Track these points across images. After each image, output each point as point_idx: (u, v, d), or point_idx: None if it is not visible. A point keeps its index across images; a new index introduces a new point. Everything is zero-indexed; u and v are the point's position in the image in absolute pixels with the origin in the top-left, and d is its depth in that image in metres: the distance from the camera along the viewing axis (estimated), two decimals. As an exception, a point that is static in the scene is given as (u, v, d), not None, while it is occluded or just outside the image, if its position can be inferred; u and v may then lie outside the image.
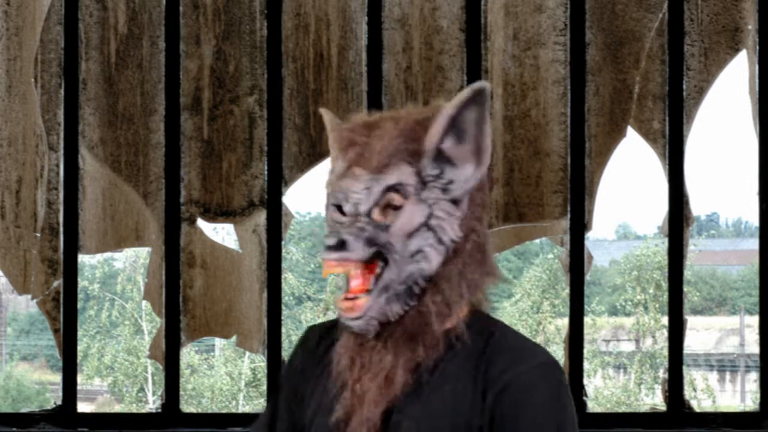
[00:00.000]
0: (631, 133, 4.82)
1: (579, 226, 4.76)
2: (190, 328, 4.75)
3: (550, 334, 26.63)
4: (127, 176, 4.75)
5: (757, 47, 4.78)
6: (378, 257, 2.23)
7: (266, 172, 4.75)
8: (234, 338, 4.86)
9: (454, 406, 2.23)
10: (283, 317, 4.78)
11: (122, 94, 4.76)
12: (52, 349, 30.45)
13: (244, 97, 4.77)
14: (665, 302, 5.08)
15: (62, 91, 4.73)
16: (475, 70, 4.75)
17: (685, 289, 4.86)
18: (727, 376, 32.71)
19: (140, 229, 4.76)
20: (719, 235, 44.09)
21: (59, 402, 4.74)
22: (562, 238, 4.79)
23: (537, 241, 5.48)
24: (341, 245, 2.21)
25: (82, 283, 25.61)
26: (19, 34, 4.74)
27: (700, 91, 4.80)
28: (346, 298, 2.25)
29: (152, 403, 24.46)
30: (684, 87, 4.78)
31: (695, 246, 27.82)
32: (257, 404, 23.28)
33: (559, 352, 25.20)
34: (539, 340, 26.53)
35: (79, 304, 8.08)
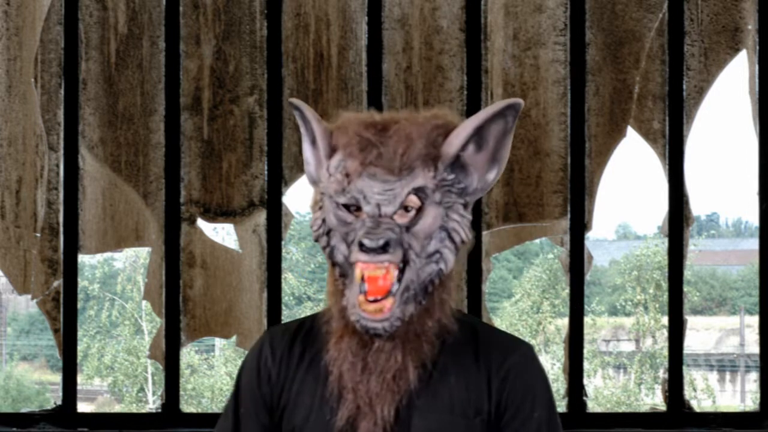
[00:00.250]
0: (631, 133, 4.82)
1: (579, 226, 4.77)
2: (190, 328, 4.75)
3: (550, 334, 26.64)
4: (127, 176, 4.75)
5: (757, 47, 4.78)
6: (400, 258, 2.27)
7: (266, 172, 4.75)
8: (234, 338, 4.86)
9: (462, 396, 2.33)
10: (283, 317, 4.78)
11: (122, 94, 4.76)
12: (52, 349, 30.45)
13: (244, 97, 4.77)
14: (665, 302, 5.08)
15: (62, 91, 4.73)
16: (475, 70, 4.75)
17: (685, 289, 4.86)
18: (727, 376, 32.71)
19: (140, 229, 4.76)
20: (719, 235, 44.08)
21: (59, 402, 4.74)
22: (562, 238, 4.79)
23: (537, 241, 5.48)
24: (386, 247, 2.22)
25: (82, 283, 25.61)
26: (19, 34, 4.74)
27: (700, 91, 4.80)
28: (370, 300, 2.25)
29: (152, 403, 24.46)
30: (684, 87, 4.78)
31: (695, 246, 27.84)
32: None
33: (559, 352, 25.22)
34: (539, 340, 26.56)
35: (79, 304, 8.08)
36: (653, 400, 24.52)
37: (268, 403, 2.40)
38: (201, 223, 4.78)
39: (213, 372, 25.45)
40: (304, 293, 26.50)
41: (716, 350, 33.29)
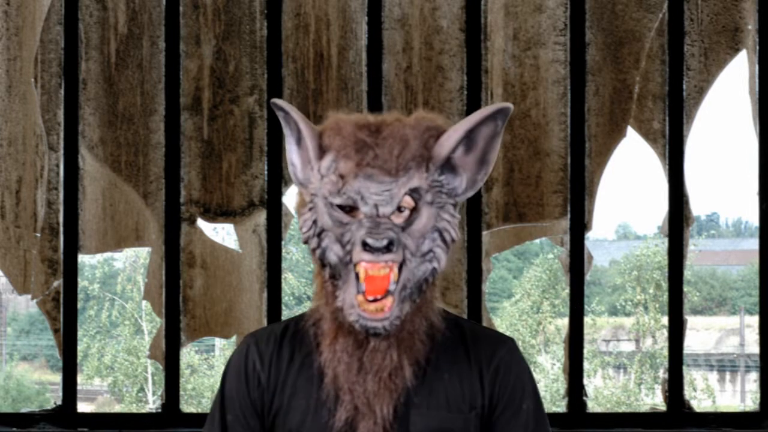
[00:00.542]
0: (631, 133, 4.82)
1: (579, 226, 4.77)
2: (190, 328, 4.75)
3: (550, 334, 26.64)
4: (127, 176, 4.75)
5: (757, 47, 4.78)
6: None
7: (266, 172, 4.75)
8: (234, 338, 4.86)
9: (456, 391, 2.37)
10: (283, 317, 4.78)
11: (122, 94, 4.76)
12: (52, 349, 30.45)
13: (244, 97, 4.77)
14: (665, 302, 5.08)
15: (62, 91, 4.73)
16: (475, 70, 4.75)
17: (685, 289, 4.86)
18: (727, 376, 32.71)
19: (140, 229, 4.76)
20: (719, 235, 44.08)
21: (59, 402, 4.74)
22: (562, 238, 4.79)
23: (537, 241, 5.48)
24: (389, 246, 2.23)
25: (82, 283, 25.61)
26: (19, 34, 4.74)
27: (700, 91, 4.80)
28: (370, 300, 2.26)
29: (152, 403, 24.46)
30: (684, 87, 4.78)
31: (695, 246, 27.84)
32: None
33: (559, 352, 25.22)
34: (539, 340, 26.56)
35: (79, 304, 8.07)
36: (653, 400, 24.52)
37: (258, 408, 2.40)
38: (201, 223, 4.78)
39: (213, 372, 25.44)
40: (304, 293, 26.51)
41: (716, 350, 33.28)
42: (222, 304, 4.76)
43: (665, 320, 13.83)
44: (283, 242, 4.80)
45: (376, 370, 2.30)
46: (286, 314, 4.74)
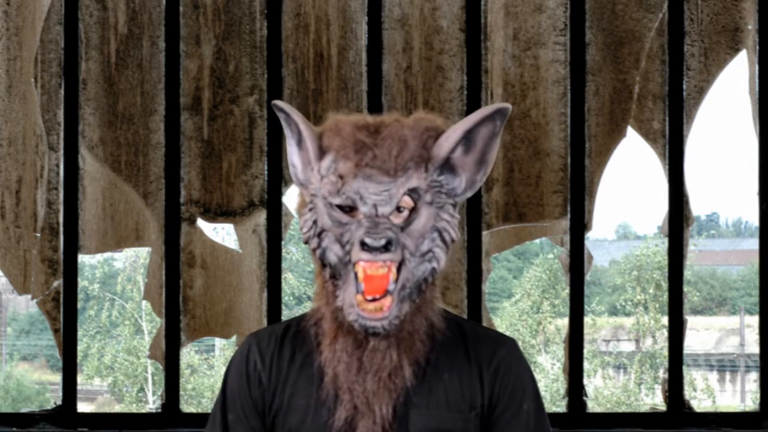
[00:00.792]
0: (631, 133, 4.82)
1: (579, 226, 4.77)
2: (190, 328, 4.75)
3: (550, 334, 26.64)
4: (127, 176, 4.75)
5: (757, 47, 4.78)
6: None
7: (266, 172, 4.75)
8: (234, 338, 4.86)
9: (456, 391, 2.37)
10: (283, 317, 4.78)
11: (122, 94, 4.76)
12: (52, 349, 30.45)
13: (244, 97, 4.77)
14: (665, 302, 5.08)
15: (62, 91, 4.73)
16: (475, 70, 4.75)
17: (685, 289, 4.86)
18: (727, 376, 32.70)
19: (140, 229, 4.76)
20: (719, 235, 44.08)
21: (59, 402, 4.74)
22: (562, 238, 4.79)
23: (537, 241, 5.48)
24: (388, 245, 2.24)
25: (82, 283, 25.61)
26: (19, 34, 4.74)
27: (700, 91, 4.80)
28: (368, 299, 2.26)
29: (152, 403, 24.46)
30: (684, 87, 4.78)
31: (695, 246, 27.84)
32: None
33: (559, 352, 25.22)
34: (539, 340, 26.56)
35: (79, 304, 8.07)
36: (653, 400, 24.52)
37: (259, 407, 2.41)
38: (201, 223, 4.78)
39: (213, 372, 25.45)
40: (304, 293, 26.51)
41: (716, 350, 33.28)
42: (222, 304, 4.76)
43: (665, 320, 13.84)
44: (283, 242, 4.80)
45: (375, 370, 2.31)
46: (286, 314, 4.74)
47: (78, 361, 4.84)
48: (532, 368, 2.73)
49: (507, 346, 2.44)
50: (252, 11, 4.77)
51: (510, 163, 4.78)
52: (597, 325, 28.16)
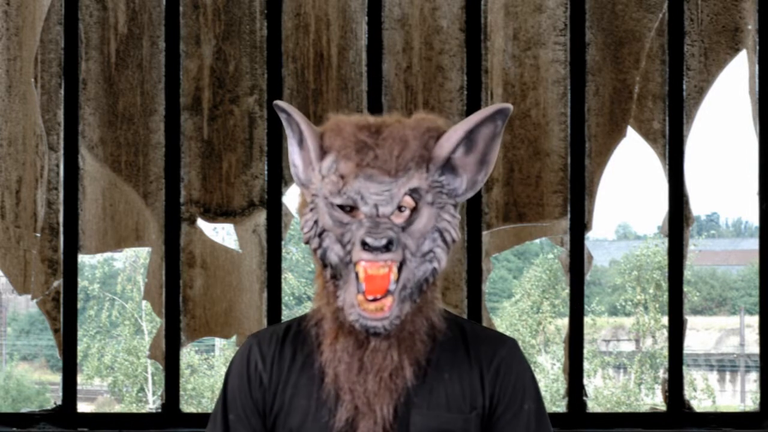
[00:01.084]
0: (631, 133, 4.82)
1: (579, 226, 4.77)
2: (190, 328, 4.75)
3: (550, 334, 26.64)
4: (127, 176, 4.75)
5: (757, 47, 4.78)
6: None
7: (266, 172, 4.75)
8: (234, 338, 4.86)
9: (456, 391, 2.37)
10: (283, 317, 4.78)
11: (122, 94, 4.76)
12: (52, 349, 30.44)
13: (244, 97, 4.77)
14: (665, 302, 5.08)
15: (62, 91, 4.73)
16: (475, 70, 4.75)
17: (685, 289, 4.87)
18: (727, 376, 32.70)
19: (140, 229, 4.76)
20: (719, 235, 44.08)
21: (59, 402, 4.74)
22: (562, 238, 4.79)
23: (537, 241, 5.48)
24: (389, 245, 2.24)
25: (82, 283, 25.60)
26: (19, 34, 4.74)
27: (700, 91, 4.80)
28: (369, 299, 2.26)
29: (152, 403, 24.46)
30: (684, 87, 4.78)
31: (695, 246, 27.83)
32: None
33: (559, 352, 25.22)
34: (539, 340, 26.55)
35: (79, 304, 8.07)
36: (653, 400, 24.52)
37: (260, 408, 2.41)
38: (201, 223, 4.78)
39: (213, 372, 25.45)
40: (304, 293, 26.51)
41: (716, 350, 33.28)
42: (222, 304, 4.76)
43: (665, 320, 13.83)
44: (283, 242, 4.80)
45: (376, 370, 2.31)
46: (286, 314, 4.74)
47: (78, 361, 4.84)
48: (532, 368, 2.73)
49: (507, 346, 2.44)
50: (252, 11, 4.77)
51: (510, 163, 4.78)
52: (597, 325, 28.16)
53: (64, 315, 4.72)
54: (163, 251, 4.72)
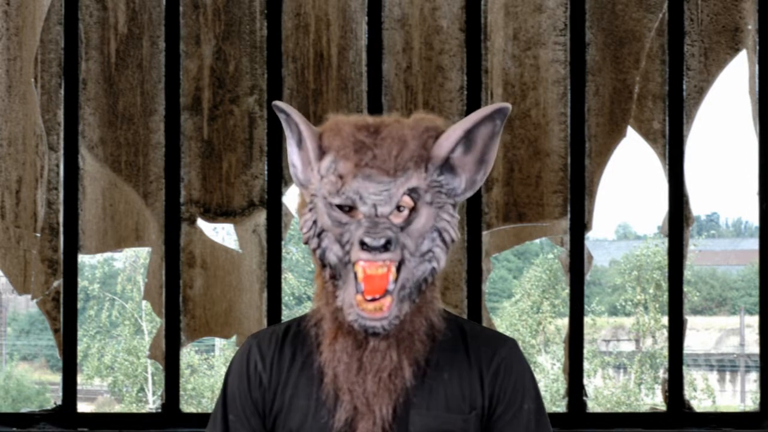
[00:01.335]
0: (631, 133, 4.82)
1: (579, 226, 4.77)
2: (190, 328, 4.75)
3: (550, 334, 26.64)
4: (127, 176, 4.75)
5: (757, 47, 4.78)
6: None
7: (266, 172, 4.75)
8: (234, 338, 4.86)
9: (456, 392, 2.37)
10: (283, 317, 4.78)
11: (122, 94, 4.76)
12: (52, 349, 30.44)
13: (244, 97, 4.77)
14: (665, 302, 5.08)
15: (62, 91, 4.73)
16: (475, 70, 4.75)
17: (685, 289, 4.87)
18: (727, 376, 32.70)
19: (140, 229, 4.76)
20: (719, 235, 44.08)
21: (59, 402, 4.74)
22: (562, 238, 4.79)
23: (537, 241, 5.48)
24: (387, 245, 2.24)
25: (82, 283, 25.61)
26: (19, 34, 4.74)
27: (700, 91, 4.80)
28: (368, 299, 2.26)
29: (152, 403, 24.46)
30: (684, 87, 4.78)
31: (695, 246, 27.84)
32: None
33: (559, 352, 25.22)
34: (539, 340, 26.55)
35: (79, 304, 8.07)
36: (653, 400, 24.53)
37: (260, 408, 2.41)
38: (201, 223, 4.78)
39: (213, 372, 25.45)
40: (304, 293, 26.51)
41: (716, 350, 33.28)
42: (222, 304, 4.76)
43: (665, 320, 13.83)
44: (283, 242, 4.80)
45: (375, 371, 2.31)
46: (286, 314, 4.74)
47: (78, 361, 4.84)
48: (532, 368, 2.73)
49: (507, 346, 2.44)
50: (252, 11, 4.77)
51: (510, 163, 4.78)
52: (597, 325, 28.16)
53: (64, 315, 4.72)
54: (163, 251, 4.72)
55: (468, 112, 4.70)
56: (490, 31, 4.79)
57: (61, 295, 4.72)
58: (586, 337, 4.90)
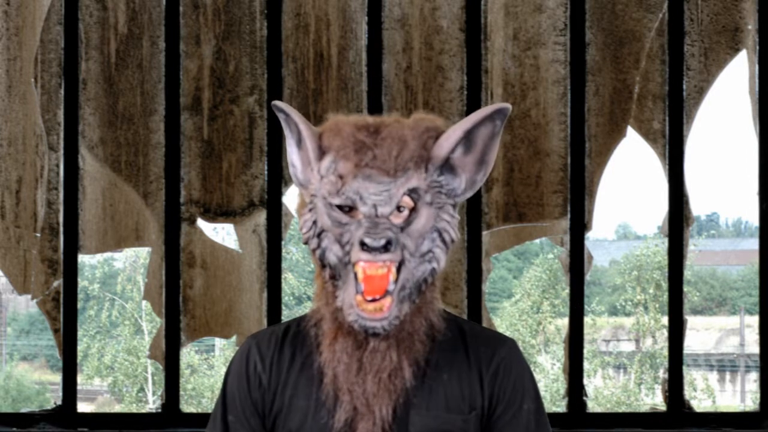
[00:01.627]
0: (631, 133, 4.82)
1: (579, 226, 4.77)
2: (190, 328, 4.75)
3: (550, 334, 26.64)
4: (127, 176, 4.75)
5: (757, 47, 4.78)
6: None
7: (266, 172, 4.75)
8: (234, 338, 4.86)
9: (456, 392, 2.37)
10: (283, 317, 4.78)
11: (122, 94, 4.76)
12: (52, 349, 30.44)
13: (244, 97, 4.77)
14: (665, 302, 5.09)
15: (62, 91, 4.73)
16: (475, 70, 4.75)
17: (685, 289, 4.87)
18: (727, 376, 32.70)
19: (140, 229, 4.76)
20: (719, 235, 44.07)
21: (59, 402, 4.74)
22: (562, 238, 4.79)
23: (537, 241, 5.49)
24: (387, 246, 2.24)
25: (82, 283, 25.61)
26: (19, 34, 4.74)
27: (700, 91, 4.80)
28: (368, 300, 2.26)
29: (152, 403, 24.46)
30: (684, 87, 4.78)
31: (695, 246, 27.84)
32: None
33: (559, 352, 25.23)
34: (539, 340, 26.56)
35: (79, 304, 8.07)
36: (653, 400, 24.53)
37: (259, 409, 2.41)
38: (201, 223, 4.78)
39: (213, 372, 25.45)
40: (304, 293, 26.52)
41: (716, 350, 33.28)
42: (222, 304, 4.76)
43: (665, 320, 13.83)
44: (283, 242, 4.80)
45: (375, 371, 2.31)
46: (286, 314, 4.74)
47: (78, 361, 4.84)
48: (532, 368, 2.74)
49: (507, 346, 2.43)
50: (252, 11, 4.77)
51: (510, 163, 4.78)
52: (597, 325, 28.16)
53: (64, 315, 4.72)
54: (163, 251, 4.72)
55: (468, 112, 4.70)
56: (490, 31, 4.79)
57: (61, 295, 4.72)
58: (586, 337, 4.90)
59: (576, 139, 4.76)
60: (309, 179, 2.37)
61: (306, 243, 2.35)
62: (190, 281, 4.75)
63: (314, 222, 2.33)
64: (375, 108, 4.70)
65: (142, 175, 4.75)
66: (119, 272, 28.33)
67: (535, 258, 29.30)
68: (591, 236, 4.98)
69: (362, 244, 2.24)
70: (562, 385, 16.14)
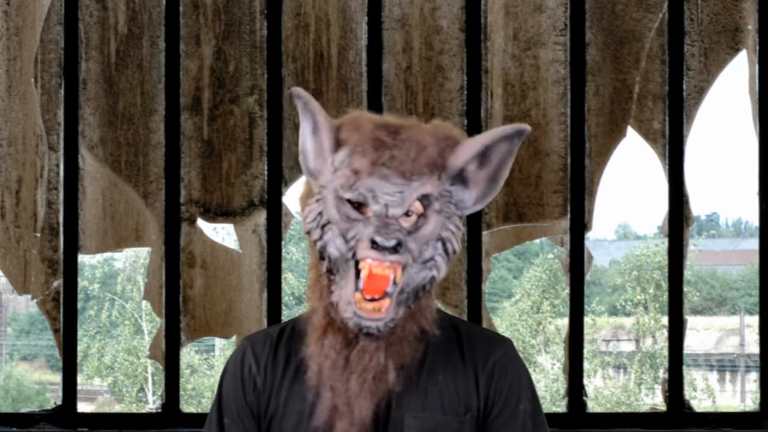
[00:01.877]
0: (631, 133, 4.82)
1: (579, 226, 4.76)
2: (190, 328, 4.75)
3: (550, 334, 26.65)
4: (127, 176, 4.75)
5: (757, 47, 4.78)
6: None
7: (266, 172, 4.75)
8: (234, 338, 4.86)
9: (451, 394, 2.35)
10: (283, 317, 4.78)
11: (122, 94, 4.76)
12: (52, 349, 30.44)
13: (244, 97, 4.77)
14: (665, 302, 5.09)
15: (62, 91, 4.73)
16: (475, 70, 4.75)
17: (685, 289, 4.86)
18: (727, 376, 32.71)
19: (140, 229, 4.76)
20: (719, 235, 44.08)
21: (59, 402, 4.74)
22: (562, 238, 4.79)
23: (537, 241, 5.48)
24: (397, 247, 2.24)
25: (82, 283, 25.61)
26: (19, 34, 4.74)
27: (700, 91, 4.80)
28: (367, 299, 2.26)
29: (152, 403, 24.46)
30: (684, 87, 4.78)
31: (695, 246, 27.84)
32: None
33: (559, 352, 25.23)
34: (539, 340, 26.56)
35: (79, 304, 8.07)
36: (653, 400, 24.53)
37: (255, 411, 2.40)
38: (201, 223, 4.78)
39: (213, 372, 25.45)
40: (304, 293, 26.51)
41: (716, 350, 33.28)
42: (222, 304, 4.76)
43: (665, 320, 13.83)
44: (283, 242, 4.80)
45: (360, 371, 2.29)
46: (286, 314, 4.74)
47: (78, 361, 4.84)
48: (532, 368, 2.73)
49: (503, 347, 2.42)
50: (252, 11, 4.77)
51: (510, 163, 4.78)
52: (597, 325, 28.17)
53: (64, 315, 4.72)
54: (163, 251, 4.72)
55: (468, 112, 4.70)
56: (490, 31, 4.79)
57: (61, 295, 4.72)
58: (586, 337, 4.90)
59: (576, 139, 4.76)
60: (320, 169, 2.35)
61: (308, 233, 2.33)
62: (190, 281, 4.75)
63: (320, 213, 2.31)
64: (375, 108, 4.70)
65: (142, 175, 4.75)
66: (119, 272, 28.34)
67: (535, 258, 29.30)
68: (591, 236, 4.98)
69: (373, 242, 2.23)
70: (562, 385, 16.14)
